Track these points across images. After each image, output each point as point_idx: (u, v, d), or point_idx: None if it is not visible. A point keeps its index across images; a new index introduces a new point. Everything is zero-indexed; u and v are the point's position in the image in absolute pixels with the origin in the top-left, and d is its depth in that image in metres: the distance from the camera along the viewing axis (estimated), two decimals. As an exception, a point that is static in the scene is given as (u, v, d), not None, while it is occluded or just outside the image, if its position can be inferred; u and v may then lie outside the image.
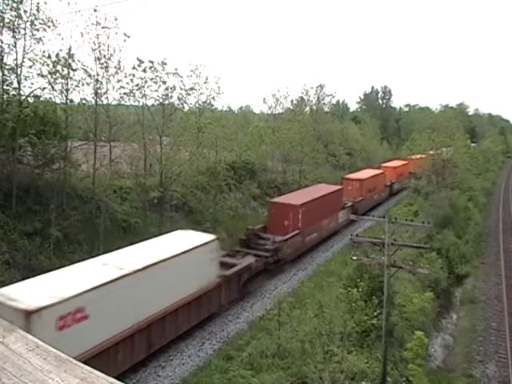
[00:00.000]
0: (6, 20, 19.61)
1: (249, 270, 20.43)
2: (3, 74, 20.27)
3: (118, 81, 24.20)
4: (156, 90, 26.44)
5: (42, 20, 20.36)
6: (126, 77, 24.38)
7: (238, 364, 15.28)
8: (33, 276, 13.40)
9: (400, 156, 57.96)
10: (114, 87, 24.27)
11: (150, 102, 28.03)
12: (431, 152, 40.18)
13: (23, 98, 21.06)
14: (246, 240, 23.66)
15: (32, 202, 20.93)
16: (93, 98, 23.94)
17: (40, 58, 20.81)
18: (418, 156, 49.46)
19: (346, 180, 39.11)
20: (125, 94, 25.16)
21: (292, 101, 53.60)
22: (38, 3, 20.17)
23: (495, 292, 25.42)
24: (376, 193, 42.02)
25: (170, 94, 27.21)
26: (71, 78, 22.62)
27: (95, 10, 22.10)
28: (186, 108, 31.00)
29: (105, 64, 23.32)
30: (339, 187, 33.54)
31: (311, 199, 27.14)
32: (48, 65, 21.09)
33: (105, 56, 23.16)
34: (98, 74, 23.43)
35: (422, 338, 15.40)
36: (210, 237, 18.40)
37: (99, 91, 23.86)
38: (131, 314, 13.54)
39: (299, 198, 26.94)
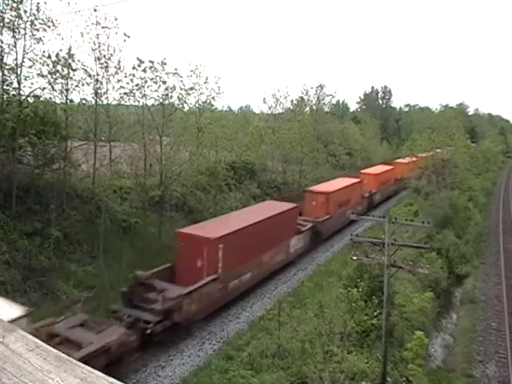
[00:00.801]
0: (6, 20, 19.60)
1: (106, 353, 13.03)
2: (3, 74, 20.26)
3: (118, 81, 24.19)
4: (156, 90, 26.44)
5: (42, 20, 20.34)
6: (126, 77, 24.38)
7: (238, 364, 15.28)
8: (33, 276, 13.39)
9: (399, 156, 57.97)
10: (114, 87, 24.28)
11: (150, 102, 28.03)
12: (431, 152, 40.15)
13: (23, 98, 21.05)
14: (128, 294, 16.36)
15: (32, 201, 20.93)
16: (93, 98, 23.95)
17: (40, 58, 20.81)
18: (406, 160, 48.66)
19: (309, 194, 31.25)
20: (125, 93, 25.16)
21: (292, 101, 53.72)
22: (38, 3, 20.18)
23: (495, 292, 25.42)
24: (349, 207, 32.75)
25: (170, 94, 27.21)
26: (71, 78, 22.62)
27: (95, 10, 22.11)
28: (186, 108, 31.00)
29: (105, 64, 23.31)
30: (293, 205, 25.74)
31: (242, 227, 20.06)
32: (48, 65, 21.08)
33: (105, 56, 23.16)
34: (98, 74, 23.44)
35: (422, 338, 15.40)
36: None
37: (99, 91, 23.86)
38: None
39: (224, 226, 20.11)
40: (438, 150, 39.60)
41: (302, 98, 56.52)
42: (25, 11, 19.96)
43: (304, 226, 26.96)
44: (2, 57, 20.06)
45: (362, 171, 43.29)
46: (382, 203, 44.19)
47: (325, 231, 29.45)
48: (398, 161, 53.24)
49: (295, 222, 26.07)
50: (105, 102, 24.66)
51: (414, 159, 44.09)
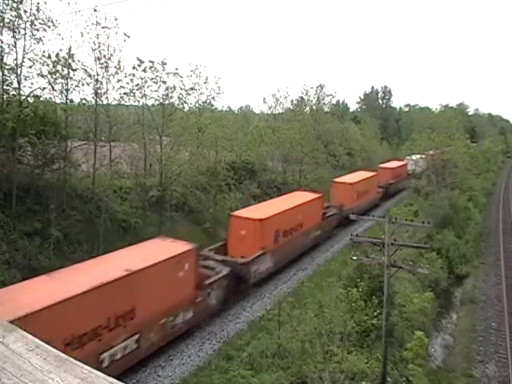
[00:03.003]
0: (6, 20, 19.59)
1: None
2: (3, 74, 20.26)
3: (118, 81, 24.20)
4: (156, 90, 26.47)
5: (42, 20, 20.34)
6: (126, 77, 24.39)
7: (237, 364, 15.28)
8: (33, 276, 13.40)
9: (399, 156, 58.13)
10: (114, 87, 24.28)
11: (150, 102, 28.06)
12: (438, 150, 40.23)
13: (23, 98, 21.05)
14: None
15: (32, 201, 20.93)
16: (93, 98, 23.95)
17: (40, 58, 20.81)
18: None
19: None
20: (125, 93, 25.16)
21: (292, 101, 53.70)
22: (38, 3, 20.18)
23: (495, 292, 25.41)
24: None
25: (170, 94, 27.24)
26: (71, 78, 22.62)
27: (95, 10, 22.12)
28: (186, 108, 31.05)
29: (105, 64, 23.31)
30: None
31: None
32: (48, 65, 21.08)
33: (105, 56, 23.16)
34: (98, 74, 23.44)
35: (422, 338, 15.40)
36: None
37: (99, 91, 23.85)
38: None
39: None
40: (445, 148, 39.71)
41: (301, 98, 56.56)
42: (25, 11, 19.96)
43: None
44: (2, 57, 20.07)
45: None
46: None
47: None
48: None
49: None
50: (105, 102, 24.66)
51: (423, 156, 48.10)
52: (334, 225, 32.00)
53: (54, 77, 21.53)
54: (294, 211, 25.11)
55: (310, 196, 28.98)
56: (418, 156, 54.88)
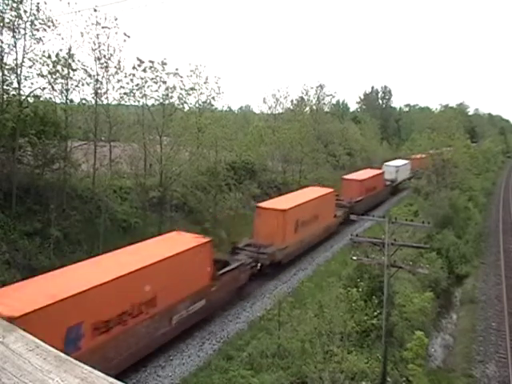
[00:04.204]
0: (6, 20, 19.61)
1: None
2: (3, 74, 20.27)
3: (118, 81, 24.22)
4: (156, 90, 26.50)
5: (42, 20, 20.36)
6: (125, 77, 24.42)
7: (237, 364, 15.27)
8: (33, 276, 13.42)
9: (399, 156, 57.74)
10: (114, 87, 24.31)
11: (150, 102, 28.09)
12: (438, 150, 40.19)
13: (23, 98, 21.06)
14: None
15: (32, 201, 20.93)
16: (93, 98, 23.98)
17: (40, 58, 20.83)
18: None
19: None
20: (125, 93, 25.18)
21: (292, 101, 53.73)
22: (38, 3, 20.20)
23: (495, 292, 25.41)
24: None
25: (170, 94, 27.26)
26: (71, 78, 22.64)
27: (95, 10, 22.14)
28: (186, 108, 31.05)
29: (105, 64, 23.32)
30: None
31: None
32: (48, 65, 21.09)
33: (105, 56, 23.17)
34: (98, 74, 23.45)
35: (422, 338, 15.39)
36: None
37: (99, 91, 23.87)
38: None
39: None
40: (445, 148, 39.67)
41: (301, 98, 56.55)
42: (25, 11, 19.97)
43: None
44: (2, 57, 20.08)
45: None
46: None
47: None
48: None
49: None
50: (105, 102, 24.69)
51: (424, 156, 46.65)
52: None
53: (53, 77, 21.54)
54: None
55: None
56: (401, 162, 52.16)
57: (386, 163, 50.88)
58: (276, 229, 23.73)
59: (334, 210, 31.78)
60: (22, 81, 20.75)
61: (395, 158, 56.31)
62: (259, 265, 22.18)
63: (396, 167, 50.12)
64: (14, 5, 19.67)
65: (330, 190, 31.46)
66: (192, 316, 16.78)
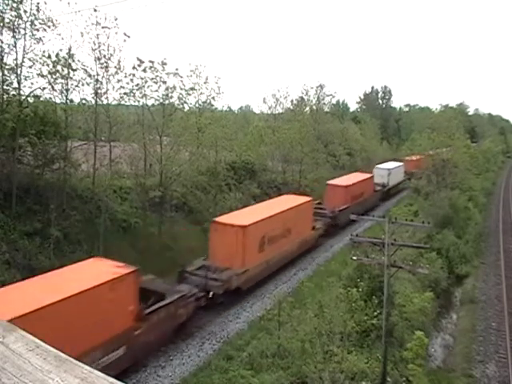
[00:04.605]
0: (6, 20, 19.60)
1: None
2: (3, 74, 20.26)
3: (118, 81, 24.19)
4: (156, 90, 26.47)
5: (42, 20, 20.35)
6: (126, 77, 24.39)
7: (237, 364, 15.28)
8: (33, 276, 13.43)
9: (399, 157, 57.61)
10: (114, 87, 24.28)
11: (150, 102, 28.06)
12: (427, 153, 40.20)
13: (23, 98, 21.05)
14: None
15: (32, 201, 20.93)
16: (93, 98, 23.96)
17: (40, 58, 20.82)
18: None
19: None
20: (125, 93, 25.16)
21: (292, 101, 53.66)
22: (38, 3, 20.19)
23: (495, 292, 25.42)
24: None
25: (170, 94, 27.24)
26: (71, 78, 22.63)
27: (95, 10, 22.12)
28: (186, 108, 31.04)
29: (105, 64, 23.31)
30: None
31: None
32: (48, 65, 21.08)
33: (105, 56, 23.16)
34: (98, 74, 23.44)
35: (422, 338, 15.39)
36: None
37: (99, 91, 23.86)
38: None
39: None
40: (438, 150, 39.58)
41: (301, 98, 56.50)
42: (25, 11, 19.97)
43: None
44: (2, 57, 20.07)
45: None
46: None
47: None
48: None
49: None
50: (105, 102, 24.67)
51: (419, 157, 46.53)
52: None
53: (54, 77, 21.53)
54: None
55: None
56: (394, 164, 49.55)
57: (377, 166, 47.09)
58: (235, 248, 20.02)
59: (312, 221, 28.25)
60: (22, 81, 20.76)
61: (394, 159, 56.11)
62: (211, 294, 18.74)
63: (388, 170, 46.43)
64: (14, 5, 19.66)
65: (308, 198, 27.94)
66: (105, 369, 11.49)
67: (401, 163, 51.44)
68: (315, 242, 28.80)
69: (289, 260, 25.09)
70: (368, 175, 40.91)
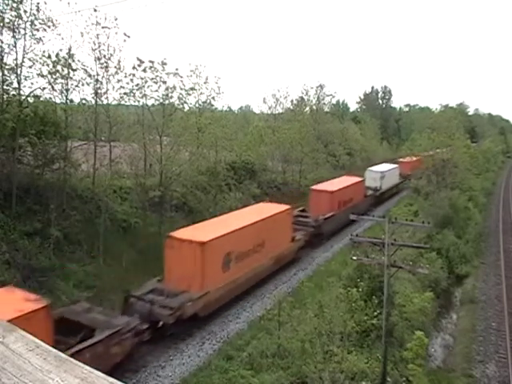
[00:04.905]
0: (6, 20, 19.63)
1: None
2: (3, 74, 20.28)
3: (118, 81, 24.22)
4: (156, 90, 26.51)
5: (42, 20, 20.37)
6: (126, 77, 24.42)
7: (238, 364, 15.28)
8: (33, 276, 13.41)
9: (399, 156, 57.56)
10: (114, 87, 24.32)
11: (150, 102, 28.10)
12: (425, 153, 40.20)
13: (23, 98, 21.07)
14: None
15: (32, 201, 20.93)
16: (93, 98, 23.99)
17: (40, 58, 20.84)
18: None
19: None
20: (125, 93, 25.19)
21: (292, 101, 53.74)
22: (38, 3, 20.21)
23: (495, 292, 25.42)
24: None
25: (170, 94, 27.27)
26: (71, 78, 22.65)
27: (95, 10, 22.15)
28: (186, 108, 31.07)
29: (105, 64, 23.33)
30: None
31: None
32: (48, 65, 21.11)
33: (105, 56, 23.19)
34: (98, 74, 23.46)
35: (422, 338, 15.39)
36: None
37: (99, 91, 23.88)
38: None
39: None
40: (437, 150, 39.57)
41: (301, 97, 56.55)
42: (25, 11, 19.99)
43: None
44: (2, 57, 20.09)
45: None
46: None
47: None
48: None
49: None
50: (105, 102, 24.70)
51: (416, 159, 45.90)
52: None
53: (54, 77, 21.55)
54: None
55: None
56: (388, 166, 46.50)
57: (369, 168, 43.99)
58: (193, 268, 17.17)
59: (291, 232, 25.11)
60: (22, 81, 20.78)
61: (394, 159, 56.00)
62: (160, 323, 16.10)
63: (381, 173, 42.99)
64: (14, 5, 19.68)
65: (286, 206, 24.67)
66: None
67: (395, 165, 49.03)
68: (295, 255, 25.68)
69: (263, 277, 22.25)
70: (358, 179, 37.69)
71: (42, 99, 22.49)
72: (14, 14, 19.73)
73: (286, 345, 15.90)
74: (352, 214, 18.57)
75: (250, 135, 42.19)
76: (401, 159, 53.42)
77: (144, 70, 25.07)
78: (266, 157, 42.96)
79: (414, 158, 48.54)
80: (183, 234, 18.35)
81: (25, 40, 20.31)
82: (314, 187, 32.86)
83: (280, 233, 23.25)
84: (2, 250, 17.93)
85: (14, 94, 20.83)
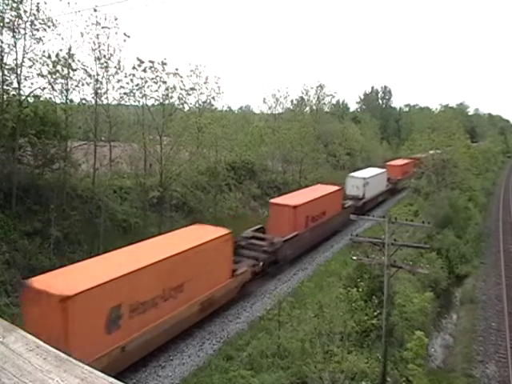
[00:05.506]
0: (6, 20, 19.61)
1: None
2: (3, 74, 20.27)
3: (118, 81, 24.20)
4: (156, 90, 26.48)
5: (42, 20, 20.36)
6: (126, 77, 24.40)
7: (238, 364, 15.28)
8: (33, 276, 13.41)
9: (400, 156, 57.34)
10: (114, 87, 24.29)
11: (150, 102, 28.11)
12: (418, 155, 40.38)
13: (23, 98, 21.06)
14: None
15: (32, 201, 20.93)
16: (93, 98, 23.96)
17: (40, 58, 20.82)
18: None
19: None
20: (125, 93, 25.18)
21: (292, 101, 53.84)
22: (38, 3, 20.19)
23: (495, 292, 25.42)
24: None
25: (170, 94, 27.25)
26: (71, 78, 22.63)
27: (95, 10, 22.11)
28: (186, 108, 31.06)
29: (105, 64, 23.31)
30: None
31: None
32: (48, 65, 21.09)
33: (105, 56, 23.16)
34: (98, 74, 23.44)
35: (422, 338, 15.39)
36: None
37: (99, 91, 23.86)
38: None
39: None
40: (436, 151, 39.52)
41: (301, 97, 56.64)
42: (25, 11, 19.97)
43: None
44: (2, 57, 20.07)
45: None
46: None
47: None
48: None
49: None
50: (105, 102, 24.67)
51: (407, 161, 47.16)
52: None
53: (53, 77, 21.54)
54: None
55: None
56: (372, 172, 41.62)
57: (351, 174, 39.04)
58: (58, 331, 11.19)
59: (231, 264, 19.53)
60: (22, 81, 20.76)
61: (394, 159, 55.77)
62: None
63: (363, 179, 37.29)
64: (14, 5, 19.67)
65: (224, 231, 18.91)
66: None
67: (382, 170, 44.15)
68: (238, 293, 20.13)
69: (185, 328, 16.74)
70: (333, 188, 31.48)
71: (41, 99, 22.48)
72: (13, 13, 19.72)
73: (286, 345, 15.90)
74: (352, 214, 18.55)
75: (250, 135, 42.19)
76: (388, 162, 50.83)
77: (144, 70, 25.06)
78: (266, 157, 42.98)
79: (406, 161, 48.35)
80: (44, 281, 12.27)
81: (25, 40, 20.34)
82: (273, 200, 27.30)
83: (212, 267, 17.57)
84: (2, 250, 17.94)
85: (14, 94, 20.82)
